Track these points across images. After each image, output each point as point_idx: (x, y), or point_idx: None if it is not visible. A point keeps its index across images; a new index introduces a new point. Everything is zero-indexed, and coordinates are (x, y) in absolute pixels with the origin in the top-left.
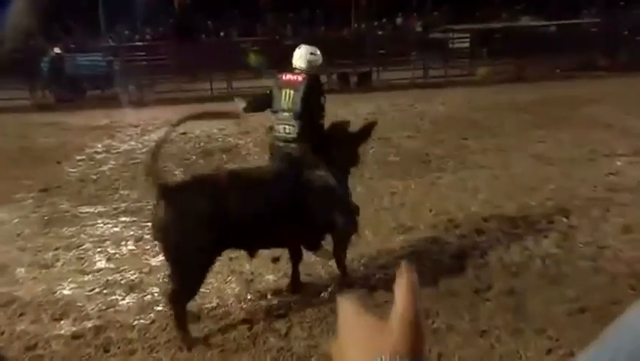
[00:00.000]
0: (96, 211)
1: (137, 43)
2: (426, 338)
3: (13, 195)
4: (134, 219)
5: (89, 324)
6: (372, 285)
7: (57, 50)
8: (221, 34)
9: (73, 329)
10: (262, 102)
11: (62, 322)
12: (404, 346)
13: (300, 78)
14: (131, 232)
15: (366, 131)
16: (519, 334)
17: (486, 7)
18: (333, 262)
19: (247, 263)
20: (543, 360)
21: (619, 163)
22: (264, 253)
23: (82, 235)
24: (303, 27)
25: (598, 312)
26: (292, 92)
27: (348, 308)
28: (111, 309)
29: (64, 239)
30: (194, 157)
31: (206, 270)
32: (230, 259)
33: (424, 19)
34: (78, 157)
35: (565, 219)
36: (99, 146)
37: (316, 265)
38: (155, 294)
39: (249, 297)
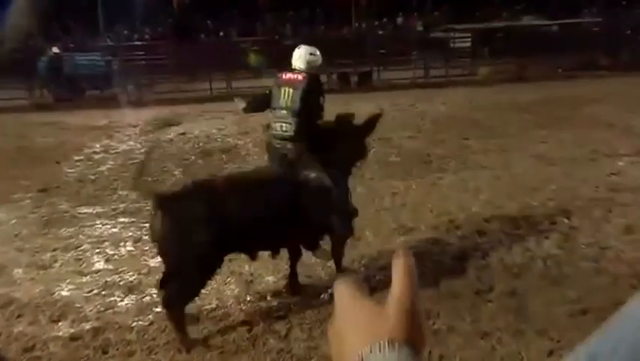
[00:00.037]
0: (95, 212)
1: (136, 43)
2: (424, 323)
3: (11, 196)
4: (133, 220)
5: (88, 325)
6: (372, 286)
7: (55, 50)
8: (221, 33)
9: (72, 330)
10: (262, 102)
11: (60, 323)
12: (401, 332)
13: (300, 77)
14: (130, 233)
15: (372, 122)
16: (520, 335)
17: (487, 6)
18: (332, 263)
19: (247, 264)
20: None
21: (621, 163)
22: (264, 254)
23: (80, 236)
24: (303, 26)
25: (600, 313)
26: (291, 90)
27: (344, 292)
28: (110, 310)
29: (62, 240)
30: (193, 157)
31: (208, 277)
32: (230, 260)
33: (425, 18)
34: (77, 157)
35: (566, 220)
36: (98, 146)
37: (316, 266)
38: (154, 295)
39: (248, 298)
